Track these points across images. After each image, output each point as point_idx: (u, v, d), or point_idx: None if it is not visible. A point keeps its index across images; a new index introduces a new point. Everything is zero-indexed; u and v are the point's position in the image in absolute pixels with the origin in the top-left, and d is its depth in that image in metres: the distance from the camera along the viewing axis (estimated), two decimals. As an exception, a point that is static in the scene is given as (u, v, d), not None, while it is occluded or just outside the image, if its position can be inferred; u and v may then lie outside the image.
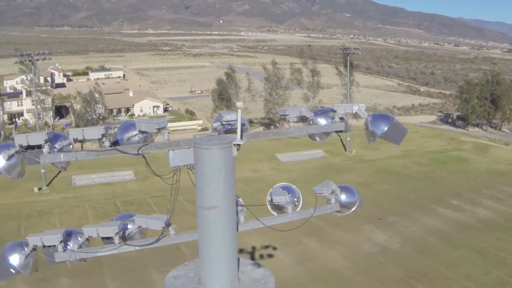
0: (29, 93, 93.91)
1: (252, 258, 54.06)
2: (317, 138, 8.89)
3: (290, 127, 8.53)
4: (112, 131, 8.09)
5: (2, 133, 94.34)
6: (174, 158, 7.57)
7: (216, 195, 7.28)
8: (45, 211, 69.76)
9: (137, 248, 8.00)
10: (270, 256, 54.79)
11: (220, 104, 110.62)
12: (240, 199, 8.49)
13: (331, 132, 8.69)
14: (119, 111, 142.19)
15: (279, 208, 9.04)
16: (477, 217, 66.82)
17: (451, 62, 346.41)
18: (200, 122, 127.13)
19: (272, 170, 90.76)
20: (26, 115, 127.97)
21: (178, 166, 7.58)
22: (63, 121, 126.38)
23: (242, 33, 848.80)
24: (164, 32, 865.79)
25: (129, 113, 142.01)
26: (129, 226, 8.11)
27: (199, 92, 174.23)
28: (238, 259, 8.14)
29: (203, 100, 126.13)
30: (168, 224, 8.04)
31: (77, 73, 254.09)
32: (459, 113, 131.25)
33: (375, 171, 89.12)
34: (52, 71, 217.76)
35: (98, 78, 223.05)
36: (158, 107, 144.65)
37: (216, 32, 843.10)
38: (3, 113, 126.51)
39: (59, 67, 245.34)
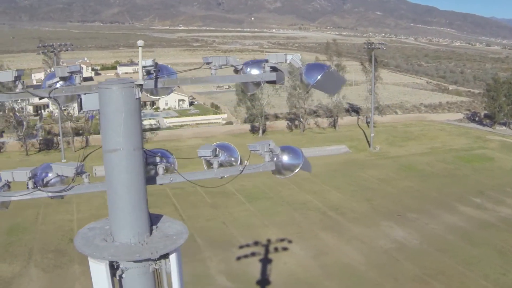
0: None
1: (267, 250, 53.71)
2: (249, 89, 8.52)
3: (212, 74, 8.12)
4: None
5: (25, 123, 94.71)
6: (86, 103, 7.40)
7: (117, 137, 7.00)
8: (64, 200, 68.63)
9: (49, 194, 7.78)
10: (285, 249, 54.17)
11: (243, 98, 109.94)
12: (170, 153, 8.49)
13: (261, 82, 8.24)
14: (144, 104, 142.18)
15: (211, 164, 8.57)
16: (499, 216, 65.32)
17: (481, 61, 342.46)
18: (225, 116, 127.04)
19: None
20: (52, 107, 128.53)
21: (90, 111, 7.37)
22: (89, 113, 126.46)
23: (274, 30, 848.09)
24: (195, 28, 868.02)
25: (154, 106, 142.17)
26: (49, 174, 7.92)
27: (227, 87, 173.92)
28: (161, 216, 8.22)
29: (229, 95, 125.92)
30: (81, 172, 7.76)
31: (105, 68, 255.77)
32: (486, 112, 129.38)
33: (398, 168, 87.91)
34: (80, 65, 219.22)
35: (126, 72, 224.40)
36: (183, 101, 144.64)
37: (247, 29, 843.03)
38: (29, 105, 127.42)
39: (87, 61, 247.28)
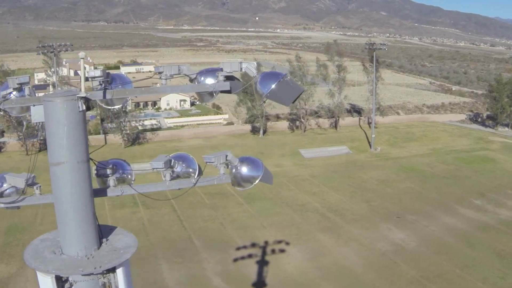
0: (59, 84, 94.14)
1: (264, 252, 53.57)
2: (203, 99, 8.42)
3: (163, 84, 8.16)
4: None
5: (25, 123, 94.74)
6: (35, 114, 7.33)
7: (60, 150, 6.97)
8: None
9: (1, 205, 7.92)
10: (282, 251, 54.03)
11: (244, 98, 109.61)
12: (127, 164, 8.68)
13: (215, 92, 8.14)
14: (145, 104, 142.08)
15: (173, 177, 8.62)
16: (499, 219, 64.95)
17: (485, 61, 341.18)
18: (226, 116, 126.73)
19: (295, 166, 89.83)
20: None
21: (40, 122, 7.42)
22: (90, 113, 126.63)
23: (278, 30, 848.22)
24: (200, 28, 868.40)
25: (156, 106, 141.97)
26: (4, 184, 7.99)
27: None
28: (114, 228, 8.29)
29: (231, 96, 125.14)
30: (32, 183, 7.86)
31: (108, 67, 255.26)
32: (489, 113, 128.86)
33: (399, 169, 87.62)
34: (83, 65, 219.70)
35: (129, 72, 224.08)
36: (185, 101, 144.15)
37: (252, 29, 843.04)
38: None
39: (90, 60, 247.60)
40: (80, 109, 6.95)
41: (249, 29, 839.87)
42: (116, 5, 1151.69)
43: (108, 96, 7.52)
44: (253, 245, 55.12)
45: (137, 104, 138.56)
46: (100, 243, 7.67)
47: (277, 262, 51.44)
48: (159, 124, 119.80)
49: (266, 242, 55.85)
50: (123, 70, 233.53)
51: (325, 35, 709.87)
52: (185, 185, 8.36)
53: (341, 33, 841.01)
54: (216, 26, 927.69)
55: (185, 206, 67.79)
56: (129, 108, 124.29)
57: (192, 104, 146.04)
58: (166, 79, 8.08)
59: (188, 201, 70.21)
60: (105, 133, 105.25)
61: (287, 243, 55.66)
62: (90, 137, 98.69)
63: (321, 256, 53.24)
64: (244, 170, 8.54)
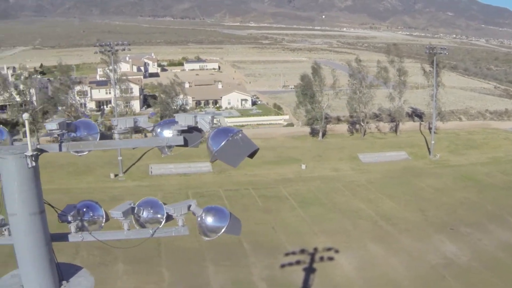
0: (116, 82, 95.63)
1: (312, 259, 53.45)
2: (162, 151, 8.24)
3: (116, 138, 8.13)
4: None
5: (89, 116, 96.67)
6: None
7: (13, 204, 7.24)
8: (117, 197, 69.66)
9: None
10: (330, 259, 53.83)
11: (303, 100, 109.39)
12: (99, 206, 8.72)
13: (170, 146, 8.04)
14: (206, 102, 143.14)
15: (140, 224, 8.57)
16: (558, 235, 63.15)
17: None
18: (287, 117, 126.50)
19: (352, 170, 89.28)
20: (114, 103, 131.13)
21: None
22: (150, 110, 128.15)
23: (344, 29, 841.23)
24: (266, 25, 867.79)
25: (217, 105, 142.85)
26: None
27: (292, 87, 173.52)
28: (79, 269, 8.67)
29: (294, 96, 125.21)
30: (2, 225, 8.10)
31: (172, 64, 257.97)
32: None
33: (456, 177, 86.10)
34: (146, 60, 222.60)
35: (192, 69, 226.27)
36: (246, 100, 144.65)
37: (318, 28, 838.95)
38: (91, 100, 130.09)
39: (154, 57, 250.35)
40: (29, 166, 7.10)
41: (315, 28, 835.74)
42: (182, 0, 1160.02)
43: (63, 149, 7.66)
44: (302, 251, 55.09)
45: (198, 102, 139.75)
46: (60, 285, 8.02)
47: (324, 270, 51.31)
48: (219, 123, 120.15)
49: (316, 249, 55.73)
50: (187, 66, 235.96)
51: (391, 35, 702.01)
52: (143, 235, 8.37)
53: (407, 33, 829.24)
54: (283, 23, 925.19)
55: (238, 208, 67.97)
56: (189, 106, 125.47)
57: (254, 103, 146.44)
58: (118, 133, 8.09)
59: (241, 203, 70.78)
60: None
61: (337, 251, 55.41)
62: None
63: (370, 267, 52.86)
64: (209, 220, 8.48)
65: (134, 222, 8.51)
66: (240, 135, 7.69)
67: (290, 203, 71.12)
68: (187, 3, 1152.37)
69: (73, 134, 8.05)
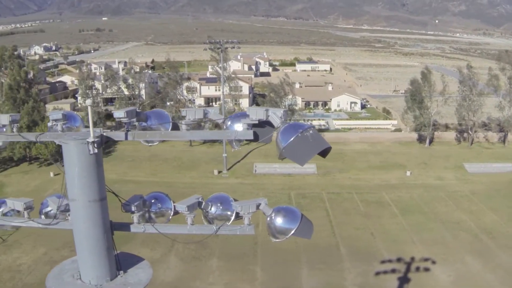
0: (226, 79, 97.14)
1: (408, 269, 52.51)
2: (233, 145, 8.03)
3: (183, 130, 8.04)
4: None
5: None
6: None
7: (73, 189, 7.41)
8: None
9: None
10: (426, 269, 52.63)
11: (412, 105, 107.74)
12: (169, 198, 8.59)
13: (240, 140, 7.78)
14: (316, 104, 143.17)
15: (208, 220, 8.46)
16: None
17: None
18: (395, 122, 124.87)
19: (456, 180, 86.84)
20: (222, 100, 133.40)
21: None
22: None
23: (458, 34, 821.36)
24: (379, 28, 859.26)
25: (326, 106, 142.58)
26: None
27: (403, 92, 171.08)
28: (141, 260, 8.79)
29: (403, 101, 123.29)
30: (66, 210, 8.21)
31: (284, 64, 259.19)
32: None
33: None
34: (258, 60, 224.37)
35: (304, 70, 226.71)
36: (355, 103, 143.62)
37: (431, 32, 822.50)
38: (200, 97, 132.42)
39: (266, 56, 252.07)
40: (91, 152, 7.16)
41: (428, 32, 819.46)
42: (296, 1, 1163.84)
43: (129, 138, 7.69)
44: (399, 260, 54.24)
45: (307, 103, 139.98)
46: (117, 274, 8.11)
47: (419, 281, 50.29)
48: (327, 125, 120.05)
49: (412, 258, 54.70)
50: (298, 67, 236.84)
51: (505, 42, 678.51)
52: (206, 231, 8.19)
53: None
54: (396, 27, 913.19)
55: (339, 212, 67.86)
56: (298, 106, 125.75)
57: (363, 107, 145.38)
58: (185, 124, 7.94)
59: (343, 206, 70.35)
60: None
61: (433, 262, 54.17)
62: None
63: (465, 281, 51.27)
64: (279, 221, 8.05)
65: (202, 218, 8.44)
66: (310, 131, 7.19)
67: (391, 210, 70.14)
68: (300, 4, 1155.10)
69: (143, 124, 8.00)
